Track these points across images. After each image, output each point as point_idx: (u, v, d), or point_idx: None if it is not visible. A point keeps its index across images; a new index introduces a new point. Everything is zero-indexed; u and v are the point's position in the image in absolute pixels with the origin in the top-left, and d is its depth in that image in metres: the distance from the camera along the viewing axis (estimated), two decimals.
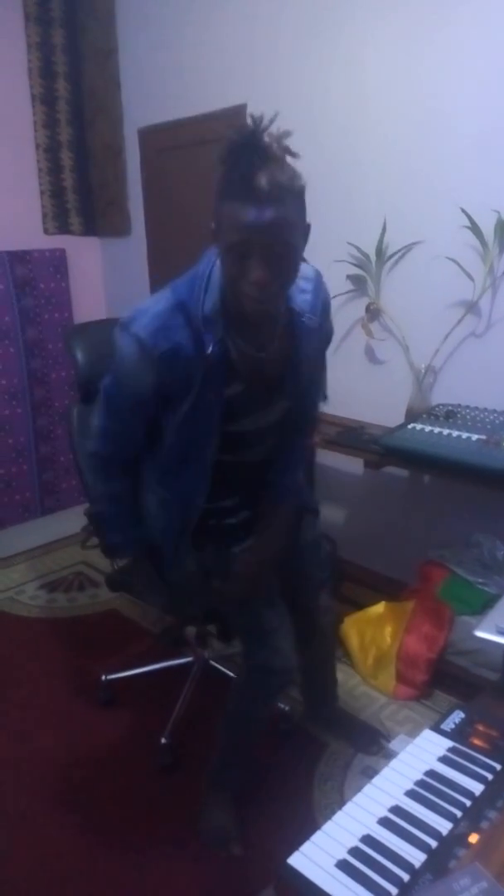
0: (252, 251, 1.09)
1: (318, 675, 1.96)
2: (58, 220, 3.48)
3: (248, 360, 1.29)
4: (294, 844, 0.85)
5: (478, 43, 2.04)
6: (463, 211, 2.10)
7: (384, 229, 2.34)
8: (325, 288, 1.41)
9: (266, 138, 1.07)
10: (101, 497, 1.50)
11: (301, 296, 1.33)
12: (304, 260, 1.29)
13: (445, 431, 2.05)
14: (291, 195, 1.11)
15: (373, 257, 2.38)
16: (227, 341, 1.26)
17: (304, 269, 1.31)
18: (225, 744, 1.71)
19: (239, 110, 2.73)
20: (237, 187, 1.07)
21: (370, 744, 1.95)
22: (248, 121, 1.09)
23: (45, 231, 3.46)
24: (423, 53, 2.16)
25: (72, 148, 3.43)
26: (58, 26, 3.25)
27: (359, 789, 0.94)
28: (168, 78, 3.04)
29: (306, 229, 1.19)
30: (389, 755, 1.85)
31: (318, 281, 1.38)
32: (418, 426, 2.13)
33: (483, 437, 1.98)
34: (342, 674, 2.19)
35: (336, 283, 2.51)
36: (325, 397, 1.68)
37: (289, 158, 1.11)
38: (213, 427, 1.33)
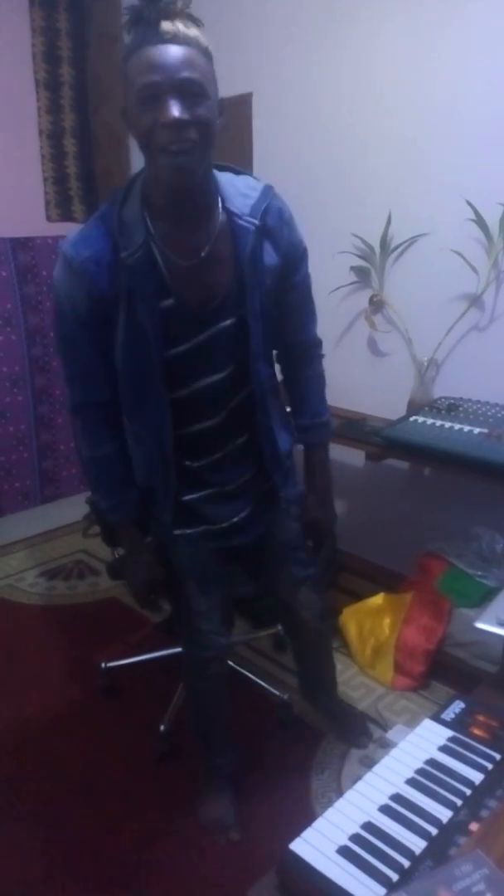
0: (163, 92, 1.03)
1: (310, 669, 1.95)
2: (60, 207, 3.47)
3: (178, 269, 1.20)
4: (291, 832, 0.85)
5: (486, 35, 2.02)
6: (468, 203, 2.09)
7: (389, 221, 2.34)
8: (278, 198, 1.31)
9: None
10: (89, 462, 1.41)
11: (241, 199, 1.25)
12: (254, 177, 1.30)
13: (447, 424, 2.06)
14: (200, 49, 1.07)
15: (377, 249, 2.38)
16: (152, 248, 1.18)
17: (252, 181, 1.29)
18: (188, 723, 1.75)
19: (245, 99, 2.72)
20: (143, 38, 1.04)
21: (359, 735, 1.96)
22: None
23: (48, 218, 3.45)
24: (430, 45, 2.15)
25: (75, 134, 3.41)
26: (62, 10, 3.22)
27: (356, 778, 0.95)
28: None
29: (220, 101, 1.13)
30: (387, 745, 1.88)
31: (266, 190, 1.29)
32: (420, 419, 2.13)
33: (485, 430, 1.98)
34: (340, 664, 2.21)
35: (340, 275, 2.51)
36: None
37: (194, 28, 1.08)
38: (153, 349, 1.22)
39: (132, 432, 1.37)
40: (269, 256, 1.29)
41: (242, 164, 2.79)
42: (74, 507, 3.28)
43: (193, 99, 1.06)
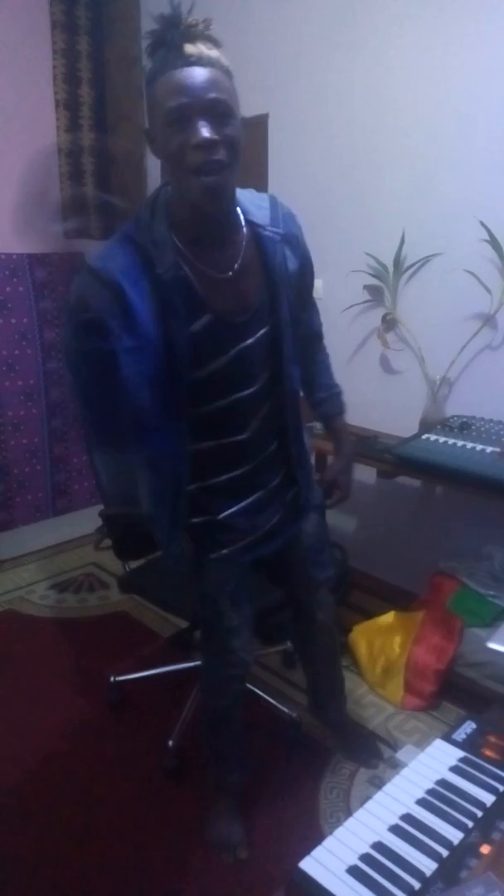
0: (192, 113, 1.05)
1: (322, 678, 1.95)
2: (78, 224, 3.51)
3: (213, 284, 1.20)
4: (299, 851, 0.85)
5: (500, 55, 2.05)
6: (482, 224, 2.11)
7: (402, 240, 2.35)
8: (284, 205, 1.35)
9: (189, 19, 1.07)
10: (106, 465, 1.39)
11: (259, 211, 1.28)
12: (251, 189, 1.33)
13: (459, 443, 2.06)
14: (223, 70, 1.09)
15: (390, 268, 2.40)
16: (183, 266, 1.17)
17: (256, 192, 1.33)
18: (202, 740, 1.74)
19: (261, 120, 2.76)
20: (167, 61, 1.06)
21: (369, 756, 1.94)
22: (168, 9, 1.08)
23: (66, 234, 3.49)
24: (444, 65, 2.18)
25: (94, 153, 3.47)
26: (83, 34, 3.30)
27: (365, 799, 0.95)
28: None
29: (241, 125, 1.14)
30: (396, 765, 1.86)
31: (273, 199, 1.33)
32: (432, 437, 2.13)
33: (497, 449, 1.98)
34: (350, 682, 2.19)
35: (353, 293, 2.53)
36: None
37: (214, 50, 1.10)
38: (181, 369, 1.19)
39: (146, 457, 1.35)
40: (291, 262, 1.32)
41: (258, 184, 2.82)
42: (86, 520, 3.30)
43: (221, 119, 1.07)
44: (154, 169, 3.37)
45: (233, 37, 2.82)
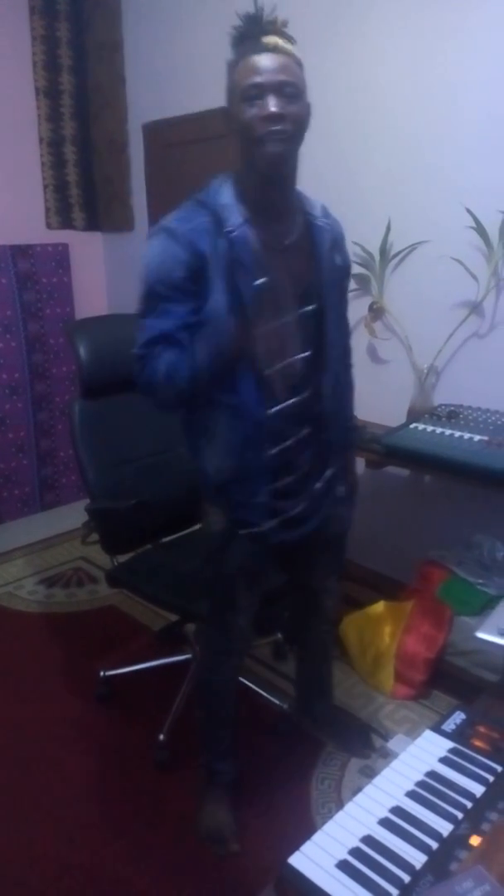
0: (265, 91, 1.23)
1: (314, 670, 1.96)
2: (61, 214, 3.47)
3: (269, 250, 1.34)
4: (292, 844, 0.84)
5: (485, 44, 2.03)
6: (468, 211, 2.10)
7: (388, 229, 2.34)
8: (334, 216, 1.50)
9: (269, 16, 1.27)
10: (165, 375, 1.34)
11: (312, 205, 1.45)
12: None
13: (447, 432, 2.05)
14: (295, 60, 1.28)
15: (377, 256, 2.38)
16: (248, 228, 1.32)
17: (312, 198, 1.47)
18: (197, 724, 1.75)
19: None
20: (247, 47, 1.26)
21: (362, 747, 1.95)
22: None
23: (48, 225, 3.45)
24: (430, 54, 2.15)
25: (75, 142, 3.42)
26: (63, 19, 3.24)
27: (356, 789, 0.94)
28: (173, 73, 3.03)
29: (308, 104, 1.31)
30: (388, 755, 1.87)
31: (325, 207, 1.49)
32: (420, 426, 2.12)
33: (485, 437, 1.97)
34: (341, 672, 2.20)
35: None
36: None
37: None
38: (249, 320, 1.30)
39: (227, 405, 1.37)
40: (338, 258, 1.47)
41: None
42: (74, 515, 3.27)
43: (289, 98, 1.25)
44: (137, 157, 3.33)
45: (218, 21, 2.78)
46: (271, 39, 1.25)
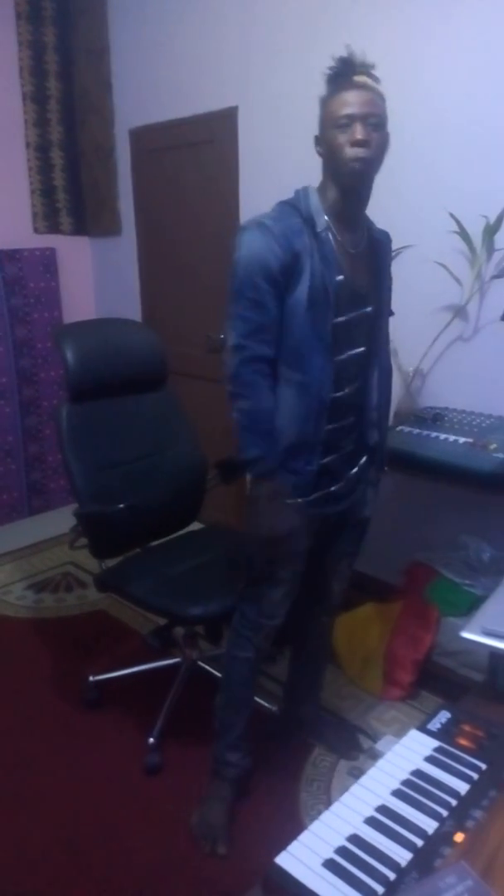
0: (354, 120, 1.42)
1: (308, 665, 1.97)
2: (48, 219, 3.47)
3: (346, 253, 1.53)
4: (281, 844, 0.85)
5: (470, 51, 2.06)
6: (451, 216, 2.12)
7: None
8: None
9: (360, 59, 1.47)
10: (250, 413, 1.50)
11: (372, 223, 1.64)
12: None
13: (433, 434, 2.07)
14: (379, 96, 1.47)
15: None
16: (329, 232, 1.51)
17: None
18: (214, 709, 1.78)
19: (230, 112, 2.74)
20: (340, 84, 1.45)
21: (350, 748, 1.96)
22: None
23: (35, 230, 3.45)
24: (415, 59, 2.18)
25: (63, 147, 3.43)
26: (49, 24, 3.25)
27: (345, 790, 0.95)
28: (160, 79, 3.05)
29: (388, 134, 1.50)
30: (376, 755, 1.88)
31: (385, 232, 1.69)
32: (406, 429, 2.14)
33: (470, 440, 1.99)
34: (329, 674, 2.20)
35: None
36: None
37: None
38: (328, 307, 1.48)
39: (297, 383, 1.52)
40: (388, 272, 1.67)
41: (228, 176, 2.81)
42: (62, 519, 3.26)
43: (373, 128, 1.44)
44: (124, 162, 3.34)
45: (204, 27, 2.80)
46: (361, 78, 1.46)
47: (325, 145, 1.49)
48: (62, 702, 2.19)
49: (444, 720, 1.08)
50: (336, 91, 1.47)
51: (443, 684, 2.15)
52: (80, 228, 3.58)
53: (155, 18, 2.99)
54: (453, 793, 0.93)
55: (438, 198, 2.19)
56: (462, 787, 0.93)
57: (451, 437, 2.03)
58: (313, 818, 1.62)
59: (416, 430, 2.11)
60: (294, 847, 0.85)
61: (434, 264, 2.21)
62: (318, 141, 1.53)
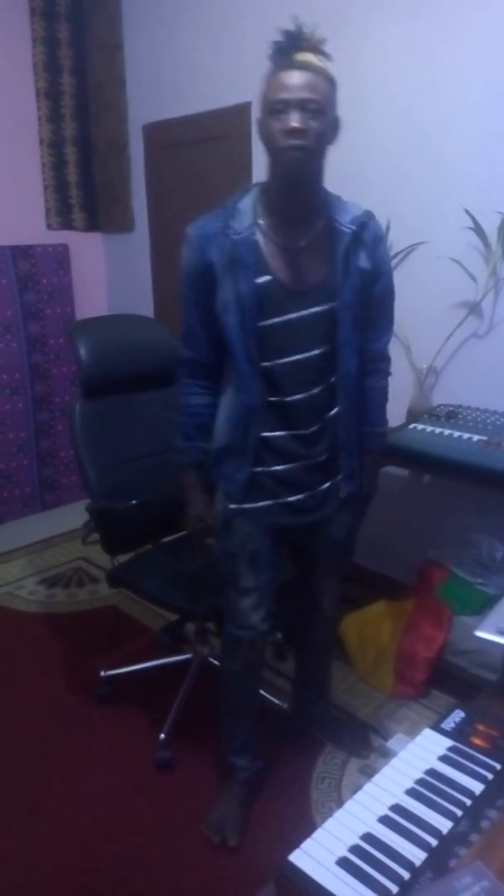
0: (289, 106, 1.30)
1: (312, 671, 1.97)
2: (61, 215, 3.48)
3: (279, 250, 1.42)
4: (291, 842, 0.85)
5: (485, 46, 2.04)
6: (467, 212, 2.10)
7: (388, 229, 2.33)
8: (377, 221, 1.54)
9: (306, 34, 1.34)
10: (179, 410, 1.59)
11: (344, 213, 1.48)
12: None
13: (446, 432, 2.06)
14: (324, 77, 1.33)
15: None
16: (257, 231, 1.42)
17: (360, 205, 1.52)
18: (220, 714, 1.78)
19: (244, 108, 2.73)
20: (279, 62, 1.33)
21: (361, 746, 1.95)
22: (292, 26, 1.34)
23: (49, 226, 3.46)
24: (430, 55, 2.16)
25: (76, 143, 3.43)
26: (63, 21, 3.25)
27: (356, 788, 0.95)
28: (174, 74, 3.04)
29: (336, 119, 1.39)
30: (387, 754, 1.88)
31: (368, 212, 1.52)
32: (419, 426, 2.13)
33: (484, 437, 1.98)
34: (340, 672, 2.20)
35: None
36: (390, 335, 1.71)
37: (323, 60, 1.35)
38: (248, 316, 1.41)
39: (232, 387, 1.51)
40: (363, 260, 1.48)
41: (241, 172, 2.80)
42: (74, 515, 3.28)
43: (311, 114, 1.31)
44: (137, 158, 3.34)
45: (218, 22, 2.79)
46: (303, 56, 1.31)
47: (262, 133, 1.37)
48: (74, 696, 2.20)
49: (458, 719, 1.07)
50: (274, 71, 1.34)
51: (454, 683, 2.14)
52: (92, 224, 3.59)
53: (169, 14, 2.98)
54: (468, 792, 0.92)
55: (454, 193, 2.17)
56: (477, 787, 0.93)
57: (465, 435, 2.01)
58: (324, 816, 1.62)
59: (430, 428, 2.10)
60: (308, 845, 0.85)
61: (448, 261, 2.20)
62: (258, 126, 1.39)
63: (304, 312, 1.44)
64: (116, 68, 3.27)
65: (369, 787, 0.94)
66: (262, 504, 1.55)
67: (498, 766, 0.96)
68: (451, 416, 2.16)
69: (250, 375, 1.45)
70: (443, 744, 1.02)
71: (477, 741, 1.02)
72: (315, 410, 1.51)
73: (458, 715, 1.08)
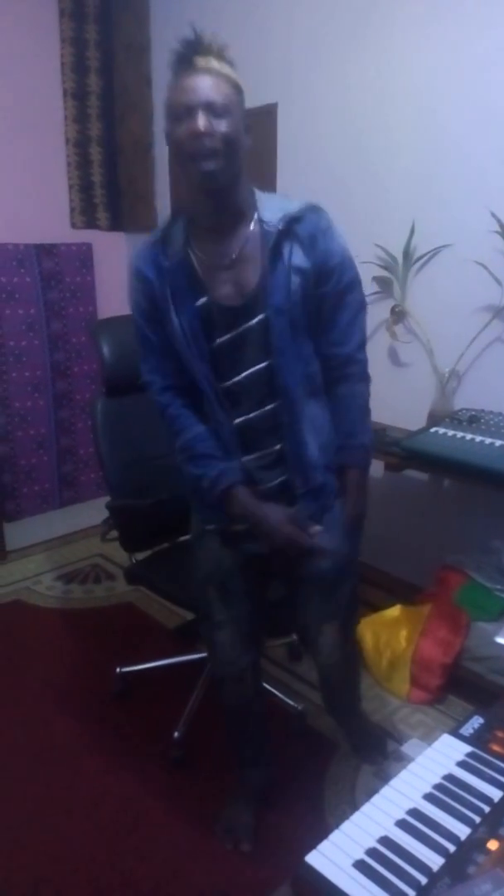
0: (193, 109, 1.24)
1: (329, 690, 1.84)
2: (85, 214, 3.51)
3: (212, 270, 1.35)
4: (305, 844, 0.85)
5: None
6: (493, 215, 2.09)
7: (412, 232, 2.33)
8: (319, 213, 1.38)
9: (206, 40, 1.29)
10: (181, 449, 1.45)
11: (273, 212, 1.35)
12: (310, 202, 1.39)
13: (468, 436, 2.04)
14: (227, 81, 1.27)
15: (400, 259, 2.38)
16: (189, 254, 1.36)
17: (296, 201, 1.38)
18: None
19: (270, 109, 2.73)
20: (178, 69, 1.28)
21: (376, 750, 1.92)
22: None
23: (73, 225, 3.49)
24: (457, 56, 2.15)
25: (101, 143, 3.46)
26: (92, 21, 3.28)
27: (370, 791, 0.94)
28: None
29: (246, 124, 1.31)
30: (402, 758, 1.86)
31: (305, 204, 1.37)
32: (441, 430, 2.12)
33: None
34: None
35: (362, 285, 2.50)
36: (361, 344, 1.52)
37: (228, 68, 1.30)
38: (195, 340, 1.36)
39: (203, 413, 1.45)
40: (298, 258, 1.35)
41: (266, 174, 2.80)
42: (93, 511, 3.30)
43: (217, 116, 1.24)
44: (161, 158, 3.35)
45: (242, 27, 2.80)
46: (204, 61, 1.27)
47: (169, 142, 1.30)
48: (89, 692, 2.21)
49: (476, 725, 1.06)
50: (176, 77, 1.28)
51: (470, 689, 2.12)
52: (116, 224, 3.61)
53: (196, 15, 2.99)
54: (486, 799, 0.91)
55: (479, 196, 2.15)
56: (495, 794, 0.92)
57: (487, 440, 2.00)
58: (337, 818, 1.62)
59: (451, 432, 2.08)
60: (324, 846, 0.84)
61: (473, 264, 2.18)
62: (167, 140, 1.31)
63: (244, 327, 1.35)
64: (143, 69, 3.29)
65: (387, 791, 0.93)
66: (220, 525, 1.47)
67: None
68: (473, 420, 2.14)
69: (215, 400, 1.38)
70: (461, 749, 1.01)
71: (496, 748, 1.00)
72: (272, 429, 1.40)
73: (476, 721, 1.07)
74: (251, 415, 1.40)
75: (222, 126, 1.24)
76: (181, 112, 1.24)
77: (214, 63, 1.27)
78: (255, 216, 1.36)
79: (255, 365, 1.37)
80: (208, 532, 1.52)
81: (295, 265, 1.34)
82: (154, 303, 1.39)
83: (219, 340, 1.37)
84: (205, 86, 1.24)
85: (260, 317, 1.35)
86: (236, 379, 1.38)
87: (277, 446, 1.41)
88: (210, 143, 1.23)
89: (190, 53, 1.27)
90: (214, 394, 1.39)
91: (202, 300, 1.35)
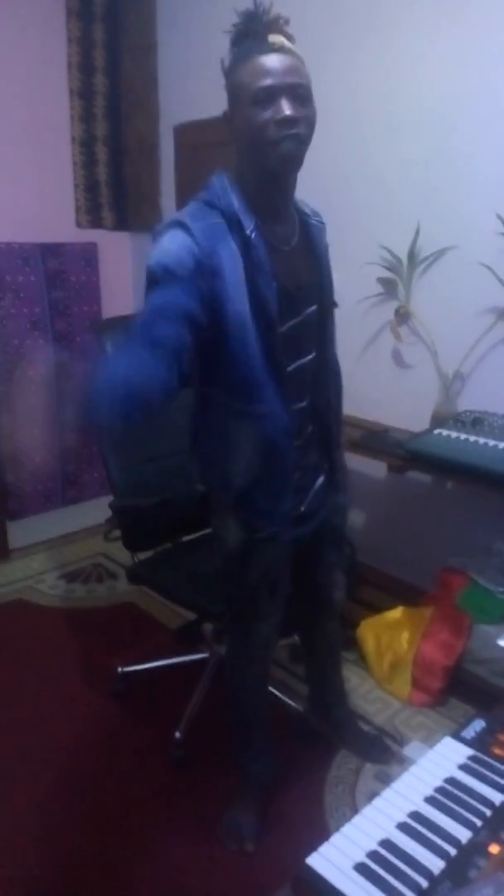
0: (278, 94, 1.18)
1: (325, 672, 1.95)
2: (90, 213, 3.51)
3: (275, 253, 1.31)
4: (305, 846, 0.85)
5: None
6: (499, 217, 2.08)
7: (417, 233, 2.33)
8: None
9: (270, 14, 1.21)
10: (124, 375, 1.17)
11: (305, 207, 1.43)
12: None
13: (472, 438, 2.04)
14: (300, 59, 1.22)
15: (404, 261, 2.37)
16: (258, 233, 1.28)
17: (302, 199, 1.43)
18: (229, 724, 1.76)
19: None
20: (253, 47, 1.19)
21: (377, 753, 1.93)
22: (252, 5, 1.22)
23: (78, 224, 3.49)
24: (464, 58, 2.14)
25: (107, 143, 3.46)
26: (99, 21, 3.28)
27: (371, 794, 0.95)
28: (206, 75, 3.03)
29: (316, 109, 1.27)
30: (403, 761, 1.86)
31: (315, 209, 1.46)
32: (444, 432, 2.11)
33: None
34: (357, 677, 2.20)
35: (366, 286, 2.51)
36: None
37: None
38: (273, 321, 1.28)
39: (254, 417, 1.34)
40: (326, 260, 1.44)
41: None
42: (96, 510, 3.30)
43: (301, 101, 1.21)
44: (167, 159, 3.35)
45: None
46: (277, 38, 1.19)
47: (242, 126, 1.23)
48: (91, 691, 2.22)
49: (478, 728, 1.06)
50: (247, 56, 1.19)
51: (472, 692, 2.12)
52: (121, 223, 3.61)
53: (202, 15, 2.99)
54: (488, 803, 0.91)
55: (485, 198, 2.15)
56: (497, 798, 0.92)
57: (491, 442, 1.99)
58: (338, 820, 1.62)
59: (455, 434, 2.08)
60: (325, 848, 0.84)
61: (479, 266, 2.18)
62: (229, 119, 1.26)
63: (302, 317, 1.37)
64: (149, 69, 3.29)
65: (388, 794, 0.93)
66: (288, 530, 1.48)
67: None
68: (476, 422, 2.14)
69: (276, 393, 1.33)
70: (463, 752, 1.00)
71: (498, 751, 1.00)
72: (313, 414, 1.48)
73: (478, 724, 1.07)
74: (303, 404, 1.43)
75: (305, 111, 1.21)
76: (262, 95, 1.18)
77: (286, 42, 1.21)
78: (295, 208, 1.39)
79: (307, 355, 1.41)
80: (257, 540, 1.47)
81: (329, 264, 1.44)
82: (205, 273, 1.21)
83: (285, 326, 1.33)
84: (286, 68, 1.18)
85: (313, 307, 1.38)
86: (295, 366, 1.38)
87: (310, 429, 1.48)
88: (296, 130, 1.20)
89: (261, 28, 1.19)
90: (278, 379, 1.33)
91: (274, 283, 1.30)
